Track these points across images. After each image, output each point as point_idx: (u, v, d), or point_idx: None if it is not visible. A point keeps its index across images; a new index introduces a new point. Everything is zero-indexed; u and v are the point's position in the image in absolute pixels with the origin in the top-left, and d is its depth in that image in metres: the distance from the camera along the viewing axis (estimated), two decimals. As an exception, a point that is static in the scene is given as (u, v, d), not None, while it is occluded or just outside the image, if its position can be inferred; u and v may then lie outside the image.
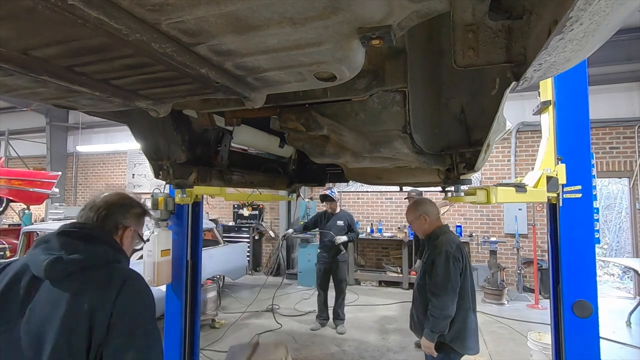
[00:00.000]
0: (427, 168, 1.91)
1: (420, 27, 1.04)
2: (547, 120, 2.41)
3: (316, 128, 1.71)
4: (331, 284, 5.40)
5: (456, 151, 1.67)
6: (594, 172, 2.27)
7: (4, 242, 6.39)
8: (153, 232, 2.60)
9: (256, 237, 9.29)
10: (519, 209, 7.29)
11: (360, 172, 2.58)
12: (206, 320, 5.23)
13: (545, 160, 2.35)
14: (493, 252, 6.84)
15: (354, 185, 8.36)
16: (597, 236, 2.51)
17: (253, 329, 5.32)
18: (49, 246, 1.15)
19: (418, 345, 3.92)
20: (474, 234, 7.74)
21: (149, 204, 2.65)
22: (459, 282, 2.47)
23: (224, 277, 6.61)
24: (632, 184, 6.97)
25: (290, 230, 5.97)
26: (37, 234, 7.30)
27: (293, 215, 9.01)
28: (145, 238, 2.58)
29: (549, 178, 2.21)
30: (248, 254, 8.27)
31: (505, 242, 7.45)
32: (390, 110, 1.56)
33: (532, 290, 6.95)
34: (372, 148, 1.73)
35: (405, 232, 7.69)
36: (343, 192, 8.71)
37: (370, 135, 1.70)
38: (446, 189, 1.96)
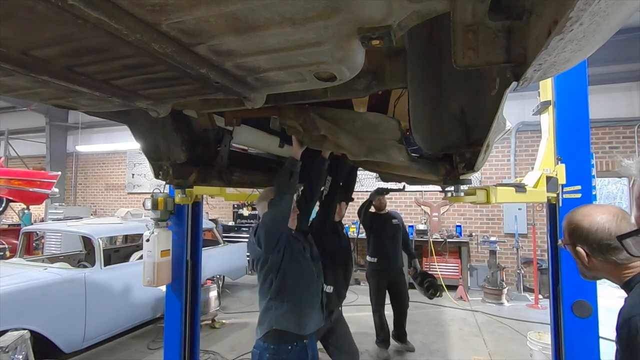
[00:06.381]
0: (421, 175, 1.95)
1: (420, 27, 1.03)
2: (547, 120, 2.41)
3: (314, 130, 1.73)
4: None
5: (456, 151, 1.67)
6: (594, 172, 2.26)
7: (4, 242, 6.39)
8: (153, 232, 2.60)
9: (256, 237, 9.27)
10: (519, 209, 7.28)
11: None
12: (206, 320, 5.21)
13: (545, 160, 2.35)
14: (493, 252, 6.84)
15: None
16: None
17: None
18: None
19: None
20: (473, 234, 7.74)
21: (148, 204, 2.65)
22: None
23: (224, 277, 6.60)
24: (631, 184, 6.94)
25: None
26: (37, 234, 7.33)
27: (293, 215, 8.99)
28: (145, 238, 2.61)
29: (548, 178, 2.21)
30: (248, 253, 8.25)
31: (505, 242, 7.45)
32: (386, 126, 1.62)
33: (531, 290, 6.94)
34: (368, 152, 1.76)
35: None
36: (343, 192, 8.67)
37: (367, 141, 1.73)
38: (446, 189, 1.97)
